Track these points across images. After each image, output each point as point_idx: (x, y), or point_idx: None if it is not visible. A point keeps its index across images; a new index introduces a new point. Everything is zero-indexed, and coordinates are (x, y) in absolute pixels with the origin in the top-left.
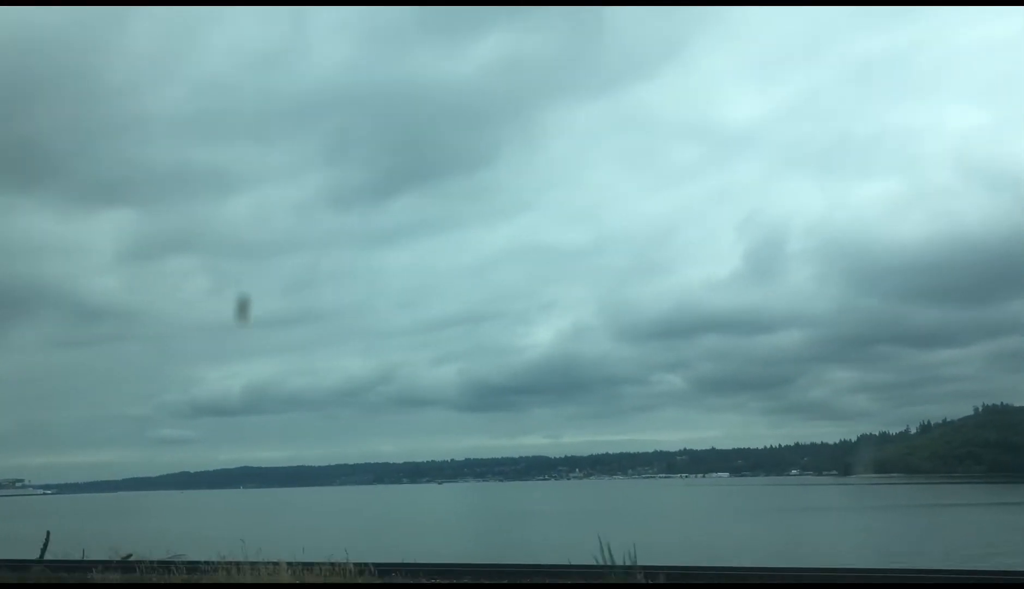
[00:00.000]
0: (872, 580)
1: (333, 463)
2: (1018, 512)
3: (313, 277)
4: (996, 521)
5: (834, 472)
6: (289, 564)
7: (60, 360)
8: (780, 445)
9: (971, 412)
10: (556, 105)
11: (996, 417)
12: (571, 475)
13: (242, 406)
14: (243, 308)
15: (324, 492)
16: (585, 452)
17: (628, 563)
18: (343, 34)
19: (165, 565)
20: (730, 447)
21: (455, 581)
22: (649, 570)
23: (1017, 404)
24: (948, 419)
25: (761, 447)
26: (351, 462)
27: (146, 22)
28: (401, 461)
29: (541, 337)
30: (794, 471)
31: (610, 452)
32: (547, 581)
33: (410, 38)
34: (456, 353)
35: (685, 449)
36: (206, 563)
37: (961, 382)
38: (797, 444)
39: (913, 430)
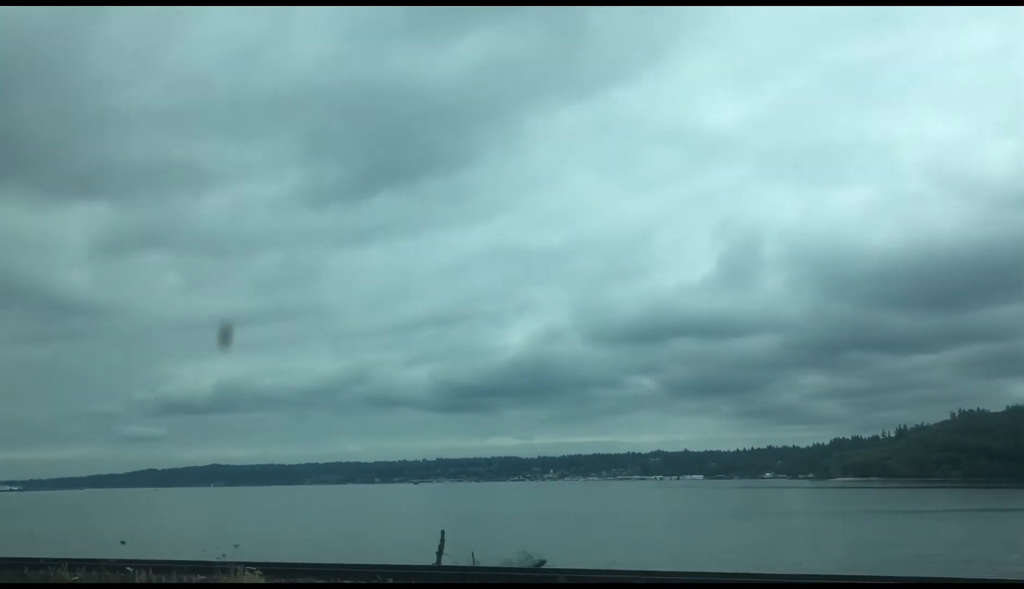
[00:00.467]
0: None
1: (304, 462)
2: (994, 519)
3: (287, 276)
4: (975, 528)
5: (810, 475)
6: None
7: (28, 355)
8: (752, 448)
9: (948, 417)
10: (536, 108)
11: (973, 422)
12: (545, 476)
13: (213, 404)
14: (225, 336)
15: (292, 491)
16: (557, 453)
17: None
18: (324, 31)
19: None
20: (703, 450)
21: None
22: (562, 572)
23: (993, 410)
24: (924, 424)
25: (733, 450)
26: (322, 462)
27: (126, 16)
28: (372, 461)
29: (515, 339)
30: (768, 474)
31: (582, 453)
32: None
33: (391, 37)
34: (430, 354)
35: (658, 451)
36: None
37: (932, 388)
38: (770, 447)
39: (887, 435)
